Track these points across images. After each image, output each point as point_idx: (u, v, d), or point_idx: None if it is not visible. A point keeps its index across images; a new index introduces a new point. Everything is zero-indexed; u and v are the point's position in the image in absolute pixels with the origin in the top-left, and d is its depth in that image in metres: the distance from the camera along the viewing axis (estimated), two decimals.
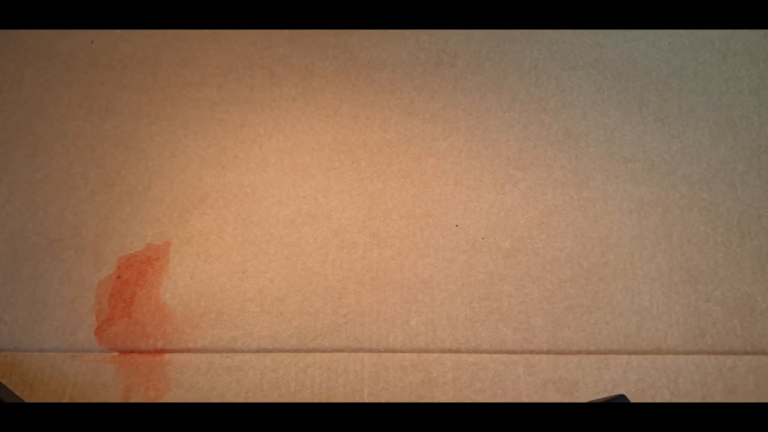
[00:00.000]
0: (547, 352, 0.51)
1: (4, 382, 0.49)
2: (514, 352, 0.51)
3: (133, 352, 0.52)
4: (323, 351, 0.52)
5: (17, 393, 0.49)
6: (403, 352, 0.51)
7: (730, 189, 0.57)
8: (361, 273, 0.54)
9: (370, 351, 0.52)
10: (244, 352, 0.52)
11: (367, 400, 0.50)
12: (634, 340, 0.52)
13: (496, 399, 0.50)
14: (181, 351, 0.52)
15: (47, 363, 0.51)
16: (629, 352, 0.51)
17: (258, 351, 0.52)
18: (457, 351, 0.52)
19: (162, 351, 0.52)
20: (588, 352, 0.51)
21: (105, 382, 0.50)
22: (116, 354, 0.52)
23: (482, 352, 0.52)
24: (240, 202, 0.57)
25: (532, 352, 0.51)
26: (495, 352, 0.51)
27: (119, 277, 0.54)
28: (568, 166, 0.58)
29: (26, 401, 0.49)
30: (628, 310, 0.53)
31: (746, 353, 0.51)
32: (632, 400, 0.45)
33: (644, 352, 0.51)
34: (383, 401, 0.50)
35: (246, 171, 0.58)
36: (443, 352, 0.52)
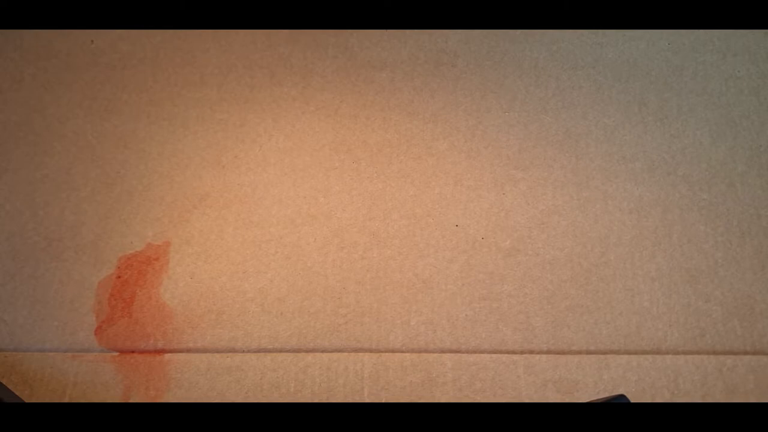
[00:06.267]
0: (547, 352, 0.51)
1: (4, 382, 0.49)
2: (514, 352, 0.51)
3: (133, 352, 0.52)
4: (323, 351, 0.52)
5: (17, 393, 0.49)
6: (403, 352, 0.52)
7: (730, 189, 0.57)
8: (361, 273, 0.54)
9: (370, 351, 0.52)
10: (244, 352, 0.52)
11: (367, 400, 0.50)
12: (634, 340, 0.52)
13: (496, 399, 0.50)
14: (181, 351, 0.52)
15: (47, 363, 0.51)
16: (629, 352, 0.51)
17: (258, 351, 0.52)
18: (457, 351, 0.52)
19: (162, 351, 0.52)
20: (588, 352, 0.51)
21: (105, 382, 0.50)
22: (116, 354, 0.52)
23: (482, 352, 0.52)
24: (240, 202, 0.57)
25: (532, 352, 0.52)
26: (495, 352, 0.51)
27: (119, 277, 0.54)
28: (568, 166, 0.58)
29: (26, 401, 0.49)
30: (628, 310, 0.53)
31: (746, 353, 0.51)
32: (632, 400, 0.45)
33: (644, 352, 0.51)
34: (383, 401, 0.50)
35: (246, 171, 0.58)
36: (443, 352, 0.52)
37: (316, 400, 0.50)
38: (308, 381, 0.50)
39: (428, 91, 0.62)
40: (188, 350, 0.52)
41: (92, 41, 0.64)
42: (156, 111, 0.61)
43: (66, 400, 0.50)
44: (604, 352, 0.51)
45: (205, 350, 0.52)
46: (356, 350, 0.52)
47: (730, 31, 0.64)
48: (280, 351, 0.52)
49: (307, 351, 0.52)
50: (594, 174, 0.58)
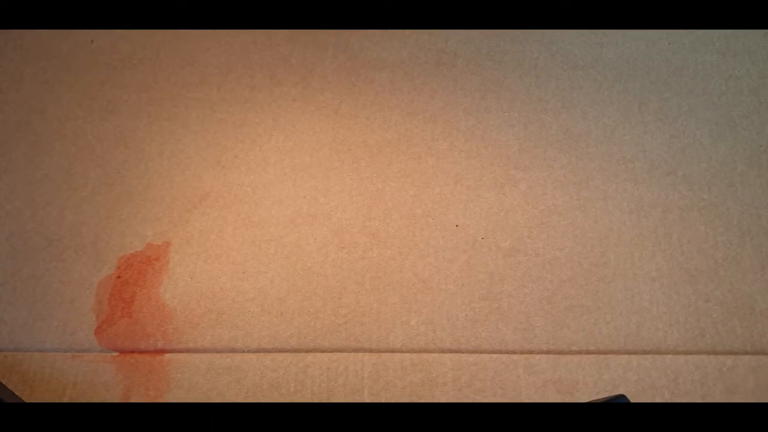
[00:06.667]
0: (547, 352, 0.51)
1: (4, 382, 0.49)
2: (514, 352, 0.51)
3: (133, 352, 0.52)
4: (323, 351, 0.52)
5: (17, 393, 0.49)
6: (403, 352, 0.52)
7: (730, 189, 0.57)
8: (361, 273, 0.54)
9: (370, 351, 0.52)
10: (244, 352, 0.52)
11: (367, 400, 0.50)
12: (634, 340, 0.52)
13: (496, 399, 0.50)
14: (181, 351, 0.52)
15: (47, 363, 0.51)
16: (629, 352, 0.51)
17: (258, 351, 0.52)
18: (457, 351, 0.52)
19: (162, 351, 0.52)
20: (588, 352, 0.51)
21: (105, 382, 0.50)
22: (116, 354, 0.52)
23: (482, 352, 0.52)
24: (240, 202, 0.57)
25: (532, 352, 0.52)
26: (495, 352, 0.51)
27: (119, 277, 0.54)
28: (568, 166, 0.58)
29: (26, 401, 0.49)
30: (628, 310, 0.53)
31: (746, 353, 0.51)
32: (632, 400, 0.45)
33: (644, 352, 0.51)
34: (383, 401, 0.50)
35: (246, 171, 0.58)
36: (443, 352, 0.52)
37: (316, 400, 0.50)
38: (308, 381, 0.50)
39: (428, 91, 0.62)
40: (188, 350, 0.52)
41: (92, 41, 0.64)
42: (156, 111, 0.61)
43: (66, 400, 0.50)
44: (604, 352, 0.51)
45: (205, 350, 0.52)
46: (356, 350, 0.52)
47: (730, 31, 0.64)
48: (280, 351, 0.52)
49: (307, 351, 0.52)
50: (594, 174, 0.58)
